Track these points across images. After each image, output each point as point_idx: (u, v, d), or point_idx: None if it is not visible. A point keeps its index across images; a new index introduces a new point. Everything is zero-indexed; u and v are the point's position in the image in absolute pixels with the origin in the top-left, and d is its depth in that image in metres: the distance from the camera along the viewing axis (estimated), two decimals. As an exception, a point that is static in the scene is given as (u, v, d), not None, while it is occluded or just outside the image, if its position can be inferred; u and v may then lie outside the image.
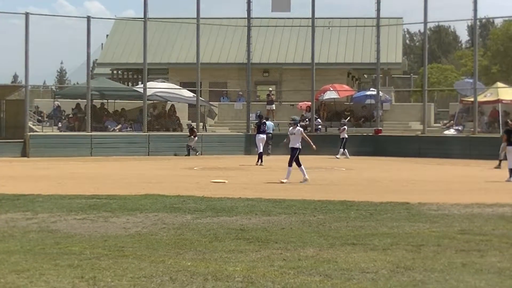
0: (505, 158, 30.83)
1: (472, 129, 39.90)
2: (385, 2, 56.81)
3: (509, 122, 25.97)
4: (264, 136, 34.13)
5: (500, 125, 40.05)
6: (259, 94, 54.12)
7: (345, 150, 37.87)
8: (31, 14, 38.83)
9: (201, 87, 44.02)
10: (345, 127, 38.68)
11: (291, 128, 23.54)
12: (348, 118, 42.91)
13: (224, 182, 22.85)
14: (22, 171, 27.97)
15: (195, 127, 40.35)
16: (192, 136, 39.39)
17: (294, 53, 53.01)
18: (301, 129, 23.71)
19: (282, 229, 12.97)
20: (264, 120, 36.06)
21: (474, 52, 43.95)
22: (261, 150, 32.97)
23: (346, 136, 38.15)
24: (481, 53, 67.64)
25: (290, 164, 22.91)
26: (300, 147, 23.10)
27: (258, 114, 36.65)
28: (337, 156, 37.35)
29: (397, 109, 47.61)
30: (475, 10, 40.24)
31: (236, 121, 45.77)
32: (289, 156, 23.09)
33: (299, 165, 22.95)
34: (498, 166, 30.87)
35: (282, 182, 22.57)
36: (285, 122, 43.79)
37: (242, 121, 43.79)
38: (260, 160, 32.11)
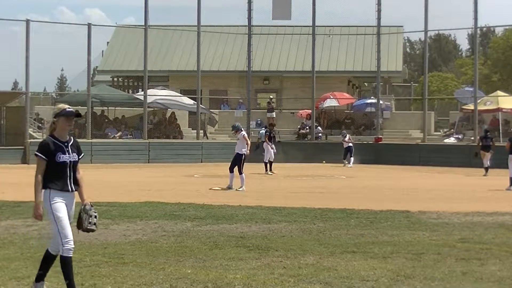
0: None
1: (472, 138, 39.90)
2: (385, 11, 56.84)
3: None
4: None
5: (501, 134, 40.08)
6: (260, 102, 54.17)
7: (351, 158, 37.83)
8: (31, 21, 38.93)
9: (201, 95, 44.06)
10: (348, 135, 38.58)
11: (236, 134, 23.88)
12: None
13: (224, 189, 22.85)
14: (22, 178, 27.89)
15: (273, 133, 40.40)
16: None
17: (295, 61, 53.04)
18: (244, 133, 23.86)
19: (282, 237, 12.97)
20: (263, 128, 36.23)
21: (475, 60, 44.01)
22: (266, 159, 32.90)
23: (351, 145, 38.09)
24: (481, 62, 67.68)
25: (240, 172, 23.04)
26: (246, 153, 23.36)
27: (269, 123, 37.02)
28: (350, 165, 37.32)
29: (397, 117, 47.62)
30: (476, 18, 40.34)
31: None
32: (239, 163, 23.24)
33: (231, 171, 23.08)
34: (486, 174, 31.25)
35: (238, 190, 22.60)
36: (286, 130, 44.07)
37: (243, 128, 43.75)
38: (269, 168, 32.29)
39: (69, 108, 8.36)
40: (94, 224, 8.39)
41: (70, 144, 8.30)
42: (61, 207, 8.13)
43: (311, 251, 11.34)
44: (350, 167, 36.91)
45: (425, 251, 11.42)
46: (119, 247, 11.72)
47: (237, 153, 23.37)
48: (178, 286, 8.89)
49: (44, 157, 8.13)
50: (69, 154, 8.23)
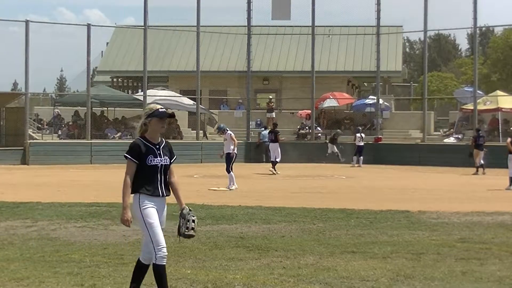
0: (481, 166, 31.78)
1: (472, 138, 39.87)
2: (385, 10, 56.82)
3: None
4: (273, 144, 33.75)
5: (500, 134, 40.08)
6: (259, 102, 54.16)
7: (354, 157, 37.83)
8: (31, 21, 38.90)
9: (201, 95, 44.05)
10: (361, 134, 38.43)
11: (223, 135, 24.04)
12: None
13: (224, 190, 22.87)
14: (22, 179, 27.96)
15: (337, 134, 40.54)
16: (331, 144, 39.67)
17: (294, 61, 53.05)
18: (231, 133, 23.94)
19: (282, 237, 12.97)
20: (263, 128, 36.24)
21: (474, 60, 43.99)
22: (273, 159, 33.00)
23: (362, 144, 38.03)
24: (481, 62, 67.67)
25: (228, 171, 23.20)
26: (236, 152, 23.55)
27: (273, 123, 37.15)
28: (355, 164, 37.33)
29: (397, 117, 47.61)
30: (475, 18, 40.32)
31: (236, 129, 45.69)
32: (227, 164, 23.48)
33: (228, 171, 23.19)
34: (476, 173, 31.49)
35: (231, 189, 22.73)
36: (285, 130, 44.05)
37: (242, 129, 43.74)
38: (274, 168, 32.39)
39: (161, 108, 7.92)
40: (192, 229, 7.84)
41: (161, 146, 7.84)
42: (152, 212, 7.72)
43: (310, 251, 11.34)
44: (355, 166, 36.89)
45: (425, 251, 11.42)
46: (119, 248, 11.71)
47: (227, 153, 23.56)
48: (178, 287, 8.89)
49: (134, 159, 7.67)
50: (160, 157, 7.75)
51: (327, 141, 40.32)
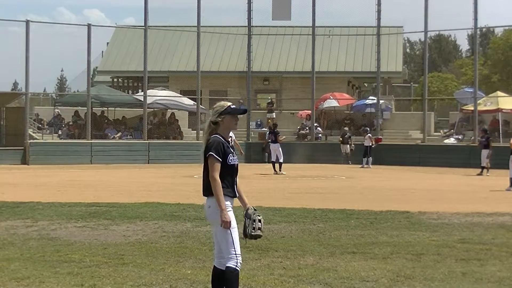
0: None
1: (472, 138, 39.90)
2: (385, 11, 56.92)
3: None
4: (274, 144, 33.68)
5: (500, 134, 40.08)
6: (259, 103, 54.16)
7: (364, 158, 37.68)
8: (31, 21, 38.93)
9: (201, 95, 44.05)
10: (369, 134, 38.37)
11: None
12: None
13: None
14: (22, 179, 27.96)
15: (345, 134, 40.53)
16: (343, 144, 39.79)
17: (294, 62, 53.03)
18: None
19: (282, 237, 12.96)
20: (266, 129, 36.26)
21: (475, 61, 43.97)
22: (274, 159, 33.04)
23: (370, 144, 37.94)
24: (481, 62, 67.58)
25: None
26: None
27: (273, 123, 37.01)
28: (369, 166, 37.21)
29: (397, 117, 47.62)
30: (476, 19, 40.30)
31: (236, 130, 45.72)
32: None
33: None
34: (481, 173, 31.51)
35: None
36: (286, 130, 44.04)
37: (242, 129, 43.70)
38: (274, 168, 32.38)
39: (232, 105, 7.60)
40: (259, 229, 7.54)
41: (231, 145, 7.55)
42: (233, 216, 7.40)
43: (311, 252, 11.34)
44: (369, 167, 36.81)
45: (425, 251, 11.42)
46: (119, 248, 11.72)
47: None
48: (178, 287, 8.89)
49: (219, 158, 7.31)
50: (235, 156, 7.49)
51: (340, 143, 40.28)
